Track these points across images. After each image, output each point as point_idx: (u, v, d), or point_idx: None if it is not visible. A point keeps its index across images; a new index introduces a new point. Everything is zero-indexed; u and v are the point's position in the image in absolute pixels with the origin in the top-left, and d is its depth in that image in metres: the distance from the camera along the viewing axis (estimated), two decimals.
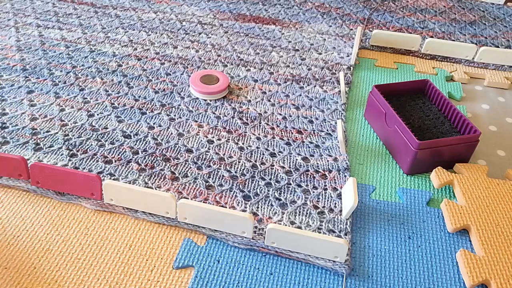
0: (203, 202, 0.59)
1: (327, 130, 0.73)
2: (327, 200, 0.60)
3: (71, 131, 0.70)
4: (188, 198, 0.60)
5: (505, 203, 0.61)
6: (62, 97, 0.77)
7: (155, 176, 0.63)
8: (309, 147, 0.69)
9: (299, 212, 0.59)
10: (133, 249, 0.55)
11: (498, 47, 0.99)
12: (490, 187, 0.63)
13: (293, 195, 0.61)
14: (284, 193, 0.61)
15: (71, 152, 0.66)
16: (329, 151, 0.69)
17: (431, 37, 1.02)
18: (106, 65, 0.86)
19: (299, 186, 0.63)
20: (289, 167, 0.66)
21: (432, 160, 0.65)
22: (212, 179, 0.63)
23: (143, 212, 0.58)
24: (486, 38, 1.03)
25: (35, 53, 0.88)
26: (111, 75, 0.83)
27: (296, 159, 0.67)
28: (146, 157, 0.66)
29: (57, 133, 0.69)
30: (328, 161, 0.67)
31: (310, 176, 0.64)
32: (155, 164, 0.65)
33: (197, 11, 1.07)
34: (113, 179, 0.62)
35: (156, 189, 0.61)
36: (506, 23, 1.09)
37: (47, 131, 0.70)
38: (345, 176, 0.64)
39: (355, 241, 0.56)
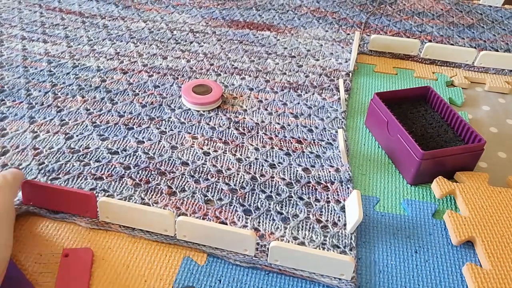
0: (203, 217, 0.59)
1: (328, 139, 0.73)
2: (331, 214, 0.60)
3: (46, 158, 0.67)
4: (187, 214, 0.60)
5: (508, 213, 0.61)
6: (38, 121, 0.75)
7: (151, 191, 0.63)
8: (309, 158, 0.69)
9: (302, 226, 0.59)
10: (131, 270, 0.54)
11: (497, 50, 1.00)
12: (492, 196, 0.64)
13: (295, 209, 0.61)
14: (285, 206, 0.61)
15: (51, 176, 0.64)
16: (330, 162, 0.69)
17: (430, 41, 1.02)
18: (89, 81, 0.85)
19: (301, 199, 0.62)
20: (290, 179, 0.65)
21: (436, 170, 0.66)
22: (211, 193, 0.63)
23: (140, 230, 0.57)
24: (485, 41, 1.04)
25: (15, 70, 0.87)
26: (93, 92, 0.82)
27: (297, 170, 0.67)
28: (140, 172, 0.66)
29: (29, 164, 0.66)
30: (329, 172, 0.67)
31: (312, 188, 0.64)
32: (150, 178, 0.65)
33: (188, 18, 1.07)
34: (108, 195, 0.62)
35: (153, 205, 0.61)
36: (504, 26, 1.10)
37: (19, 164, 0.66)
38: (347, 187, 0.64)
39: (360, 257, 0.56)
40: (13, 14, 1.05)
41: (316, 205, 0.62)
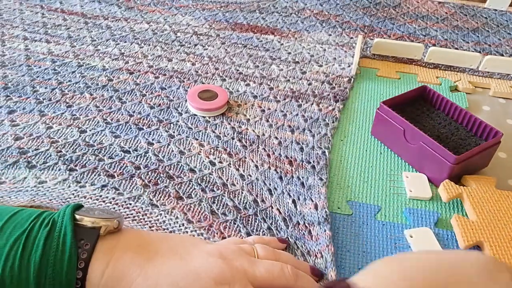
0: (208, 228, 0.59)
1: (313, 161, 0.71)
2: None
3: (63, 147, 0.70)
4: (193, 221, 0.60)
5: None
6: (48, 114, 0.76)
7: (159, 193, 0.64)
8: (296, 185, 0.67)
9: None
10: None
11: (502, 55, 1.00)
12: (500, 200, 0.64)
13: (296, 256, 0.57)
14: (288, 249, 0.58)
15: (69, 166, 0.66)
16: (311, 192, 0.66)
17: (434, 44, 1.02)
18: (95, 80, 0.85)
19: (296, 245, 0.59)
20: (284, 214, 0.63)
21: (464, 171, 0.67)
22: (216, 205, 0.63)
23: None
24: (490, 45, 1.03)
25: (18, 69, 0.87)
26: (101, 90, 0.83)
27: (288, 203, 0.64)
28: (149, 173, 0.66)
29: (48, 149, 0.69)
30: (310, 209, 0.63)
31: (301, 232, 0.61)
32: (158, 180, 0.65)
33: (191, 20, 1.07)
34: (118, 194, 0.63)
35: (160, 207, 0.61)
36: (509, 30, 1.10)
37: (36, 149, 0.69)
38: (324, 230, 0.60)
39: (360, 267, 0.56)
40: (15, 15, 1.05)
41: (308, 258, 0.57)
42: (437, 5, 1.20)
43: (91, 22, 1.04)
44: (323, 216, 0.61)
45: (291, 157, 0.72)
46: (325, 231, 0.59)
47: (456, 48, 1.02)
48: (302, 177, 0.68)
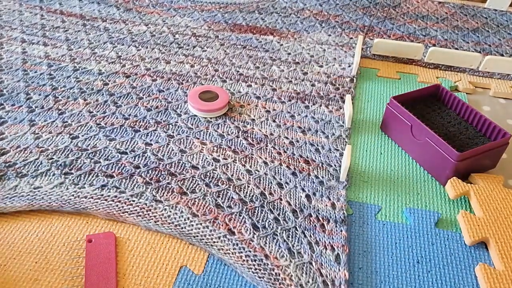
0: (213, 221, 0.60)
1: (335, 165, 0.71)
2: (328, 265, 0.57)
3: (54, 154, 0.69)
4: (198, 215, 0.60)
5: None
6: (38, 124, 0.76)
7: (162, 189, 0.64)
8: (313, 183, 0.68)
9: (306, 271, 0.56)
10: (127, 278, 0.53)
11: (502, 55, 1.00)
12: (507, 198, 0.64)
13: (300, 246, 0.59)
14: (291, 237, 0.59)
15: (64, 170, 0.66)
16: (329, 192, 0.66)
17: (434, 45, 1.02)
18: (90, 84, 0.85)
19: (304, 234, 0.60)
20: (295, 206, 0.64)
21: (469, 169, 0.67)
22: (222, 199, 0.64)
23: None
24: (490, 46, 1.03)
25: (14, 74, 0.87)
26: (95, 95, 0.83)
27: (301, 196, 0.65)
28: (150, 171, 0.67)
29: (37, 159, 0.68)
30: (326, 206, 0.64)
31: (313, 223, 0.62)
32: (160, 178, 0.66)
33: (190, 22, 1.06)
34: (120, 192, 0.63)
35: (164, 202, 0.62)
36: (510, 30, 1.10)
37: (24, 160, 0.68)
38: (341, 230, 0.61)
39: (361, 267, 0.56)
40: (14, 16, 1.06)
41: (316, 249, 0.58)
42: (437, 5, 1.20)
43: (89, 24, 1.04)
44: (340, 217, 0.63)
45: (307, 157, 0.72)
46: (341, 231, 0.61)
47: (456, 48, 1.01)
48: (322, 177, 0.69)
